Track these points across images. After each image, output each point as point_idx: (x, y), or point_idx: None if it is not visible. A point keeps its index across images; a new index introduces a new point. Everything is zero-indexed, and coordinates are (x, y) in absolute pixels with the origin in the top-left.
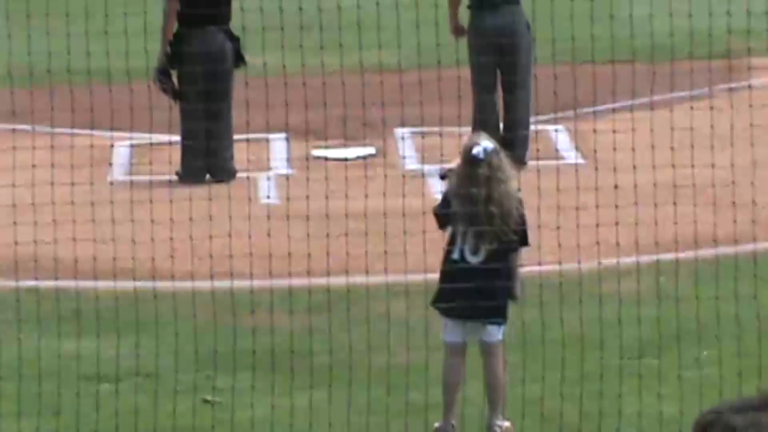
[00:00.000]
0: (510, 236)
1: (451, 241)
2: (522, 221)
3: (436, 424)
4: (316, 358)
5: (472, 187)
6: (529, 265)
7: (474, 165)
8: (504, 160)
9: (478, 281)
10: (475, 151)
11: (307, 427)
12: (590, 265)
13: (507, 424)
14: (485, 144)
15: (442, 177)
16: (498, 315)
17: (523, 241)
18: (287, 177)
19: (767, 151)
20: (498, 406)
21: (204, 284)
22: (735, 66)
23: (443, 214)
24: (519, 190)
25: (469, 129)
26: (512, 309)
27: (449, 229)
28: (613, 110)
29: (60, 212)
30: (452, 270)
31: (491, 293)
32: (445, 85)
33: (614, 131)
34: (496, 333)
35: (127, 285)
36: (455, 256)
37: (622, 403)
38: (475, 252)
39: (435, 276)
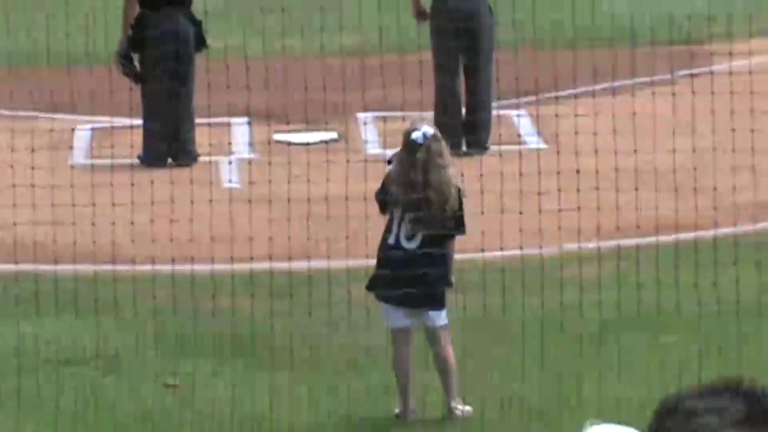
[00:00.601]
0: (447, 222)
1: (389, 227)
2: (460, 208)
3: (396, 410)
4: (277, 340)
5: (411, 171)
6: (490, 250)
7: (413, 150)
8: (444, 146)
9: (413, 267)
10: (414, 135)
11: (269, 410)
12: (552, 250)
13: (467, 407)
14: (425, 129)
15: (390, 162)
16: (435, 301)
17: (459, 228)
18: (249, 161)
19: (729, 137)
20: (453, 390)
21: (165, 268)
22: (697, 52)
23: (382, 200)
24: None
25: (431, 113)
26: (474, 293)
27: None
28: (575, 95)
29: (20, 195)
30: (388, 255)
31: (427, 279)
32: (407, 69)
33: (576, 116)
34: (437, 319)
35: (87, 268)
36: (391, 241)
37: (582, 387)
38: (410, 237)
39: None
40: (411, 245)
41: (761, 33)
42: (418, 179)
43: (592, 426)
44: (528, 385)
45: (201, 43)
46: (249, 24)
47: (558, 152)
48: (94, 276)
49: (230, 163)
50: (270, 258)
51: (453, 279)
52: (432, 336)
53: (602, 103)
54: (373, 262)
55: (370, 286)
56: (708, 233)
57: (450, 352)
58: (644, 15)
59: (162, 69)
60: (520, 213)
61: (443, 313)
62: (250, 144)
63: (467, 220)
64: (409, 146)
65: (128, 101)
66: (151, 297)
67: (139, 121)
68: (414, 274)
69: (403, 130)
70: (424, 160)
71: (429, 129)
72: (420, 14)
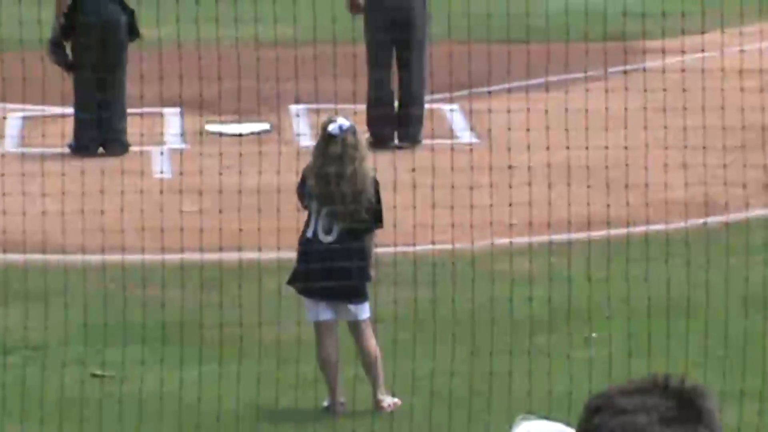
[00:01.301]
0: (363, 215)
1: (308, 220)
2: (377, 201)
3: (324, 403)
4: (206, 332)
5: (326, 163)
6: (422, 243)
7: (328, 142)
8: (360, 139)
9: (331, 260)
10: (330, 128)
11: (196, 400)
12: (483, 244)
13: (396, 399)
14: (341, 122)
15: None
16: (355, 294)
17: (377, 221)
18: (181, 151)
19: (661, 133)
20: (379, 382)
21: (95, 258)
22: (630, 48)
23: (300, 193)
24: (374, 169)
25: (363, 106)
26: (405, 287)
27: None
28: (509, 90)
29: None
30: (306, 249)
31: (345, 272)
32: (340, 61)
33: (509, 111)
34: (358, 312)
35: (17, 257)
36: (309, 234)
37: (512, 381)
38: (328, 231)
39: None
40: (328, 238)
41: (694, 31)
42: (333, 172)
43: (524, 421)
44: (458, 378)
45: (133, 32)
46: (182, 13)
47: (490, 147)
48: (24, 264)
49: (162, 153)
50: (201, 249)
51: (372, 273)
52: (355, 329)
53: (535, 98)
54: None
55: (291, 281)
56: (640, 229)
57: (374, 345)
58: (578, 10)
59: (93, 58)
60: (452, 207)
61: (365, 306)
62: (182, 134)
63: (385, 213)
64: (326, 139)
65: (60, 89)
66: (81, 286)
67: (70, 110)
68: (332, 267)
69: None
70: (340, 153)
71: (345, 122)
72: (354, 6)
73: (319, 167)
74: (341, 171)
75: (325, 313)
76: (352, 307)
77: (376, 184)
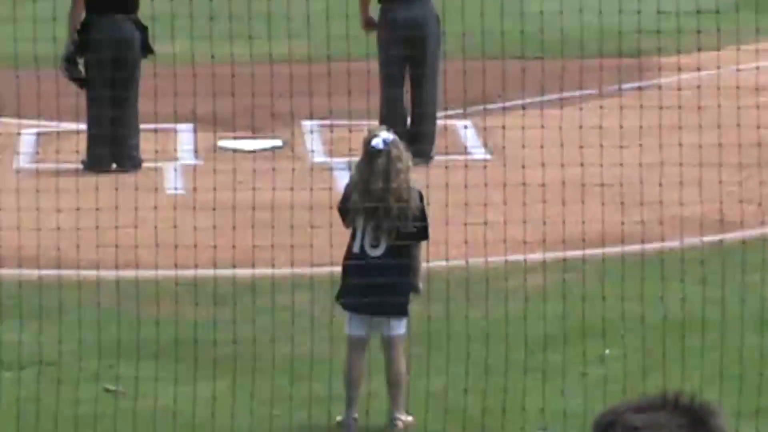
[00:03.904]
0: (409, 228)
1: (353, 235)
2: (422, 213)
3: (338, 418)
4: (219, 348)
5: (371, 178)
6: (435, 259)
7: (373, 157)
8: (403, 152)
9: (379, 275)
10: (374, 142)
11: (210, 416)
12: (497, 260)
13: (410, 418)
14: (384, 135)
15: None
16: (400, 309)
17: (423, 233)
18: (194, 167)
19: (675, 150)
20: (400, 400)
21: (109, 273)
22: (645, 65)
23: (342, 209)
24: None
25: (376, 122)
26: (419, 303)
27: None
28: (523, 106)
29: None
30: (353, 264)
31: (393, 287)
32: (354, 78)
33: (523, 128)
34: (398, 327)
35: (31, 273)
36: (356, 249)
37: (526, 399)
38: (375, 245)
39: (340, 269)
40: (376, 253)
41: (710, 47)
42: (379, 187)
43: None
44: (471, 395)
45: (147, 49)
46: (196, 30)
47: (504, 164)
48: (39, 280)
49: (175, 169)
50: (214, 265)
51: (421, 285)
52: (389, 344)
53: (549, 114)
54: (317, 270)
55: (339, 296)
56: (654, 246)
57: (403, 364)
58: (592, 27)
59: (106, 74)
60: (465, 224)
61: (404, 321)
62: (195, 150)
63: (433, 227)
64: (369, 154)
65: (74, 106)
66: (95, 302)
67: (84, 126)
68: (379, 281)
69: (362, 138)
70: (385, 167)
71: (388, 135)
72: (368, 24)
73: (364, 182)
74: (387, 185)
75: (363, 329)
76: (392, 322)
77: (420, 195)
